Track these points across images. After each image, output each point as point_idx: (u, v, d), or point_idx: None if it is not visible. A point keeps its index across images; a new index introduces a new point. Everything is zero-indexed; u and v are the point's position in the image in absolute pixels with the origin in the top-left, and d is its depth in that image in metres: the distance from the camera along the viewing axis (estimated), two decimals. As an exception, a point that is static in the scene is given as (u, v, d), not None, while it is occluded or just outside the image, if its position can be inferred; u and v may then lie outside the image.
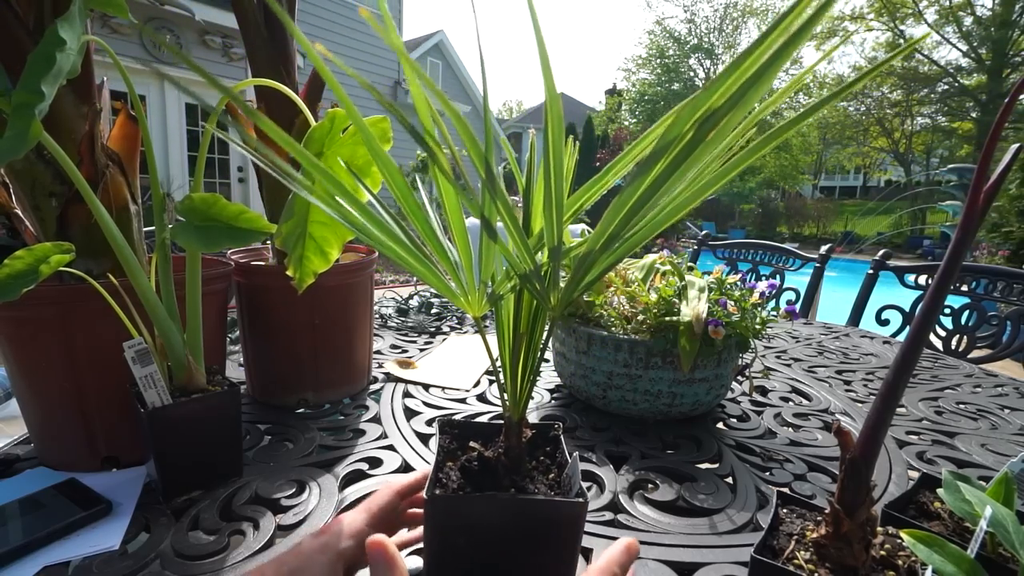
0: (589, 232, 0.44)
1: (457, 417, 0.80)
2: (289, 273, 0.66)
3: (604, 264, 0.38)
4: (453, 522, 0.37)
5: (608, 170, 0.40)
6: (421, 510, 0.44)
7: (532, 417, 0.84)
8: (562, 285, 0.40)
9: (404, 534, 0.47)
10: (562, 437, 0.46)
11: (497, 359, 0.43)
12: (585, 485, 0.45)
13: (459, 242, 0.43)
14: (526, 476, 0.41)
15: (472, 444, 0.43)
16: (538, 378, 0.99)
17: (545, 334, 0.44)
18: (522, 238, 0.36)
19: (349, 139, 0.66)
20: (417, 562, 0.47)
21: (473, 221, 0.45)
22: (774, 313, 0.82)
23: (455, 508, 0.38)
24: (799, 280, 1.98)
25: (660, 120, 0.35)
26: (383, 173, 0.40)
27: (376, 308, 1.46)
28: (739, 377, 0.96)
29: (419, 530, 0.46)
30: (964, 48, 14.35)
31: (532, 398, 0.90)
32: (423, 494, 0.37)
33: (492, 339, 0.46)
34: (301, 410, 0.81)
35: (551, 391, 0.94)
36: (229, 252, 0.85)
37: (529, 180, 0.40)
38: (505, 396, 0.43)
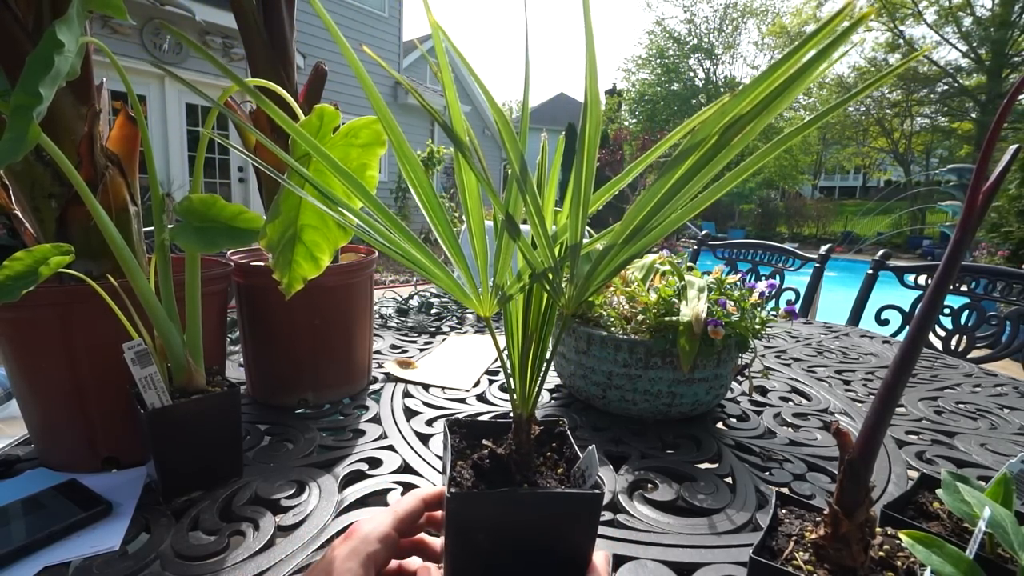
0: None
1: (458, 417, 0.80)
2: (276, 277, 0.63)
3: (624, 256, 0.38)
4: (473, 519, 0.38)
5: (629, 171, 0.41)
6: (441, 512, 0.44)
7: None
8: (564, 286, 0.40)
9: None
10: (568, 432, 0.46)
11: (506, 354, 0.44)
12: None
13: (478, 241, 0.43)
14: (536, 472, 0.42)
15: (485, 442, 0.43)
16: (546, 377, 0.99)
17: (555, 332, 0.44)
18: (545, 234, 0.37)
19: (340, 139, 0.64)
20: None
21: (488, 222, 0.46)
22: (774, 313, 0.82)
23: (474, 505, 0.38)
24: (799, 280, 1.98)
25: (684, 124, 0.38)
26: (405, 169, 0.41)
27: (376, 308, 1.46)
28: (739, 377, 0.96)
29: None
30: (964, 48, 14.36)
31: (541, 396, 0.90)
32: (445, 492, 0.37)
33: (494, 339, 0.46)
34: (301, 410, 0.81)
35: (551, 391, 0.94)
36: (229, 253, 0.85)
37: (541, 178, 0.41)
38: (514, 394, 0.43)
